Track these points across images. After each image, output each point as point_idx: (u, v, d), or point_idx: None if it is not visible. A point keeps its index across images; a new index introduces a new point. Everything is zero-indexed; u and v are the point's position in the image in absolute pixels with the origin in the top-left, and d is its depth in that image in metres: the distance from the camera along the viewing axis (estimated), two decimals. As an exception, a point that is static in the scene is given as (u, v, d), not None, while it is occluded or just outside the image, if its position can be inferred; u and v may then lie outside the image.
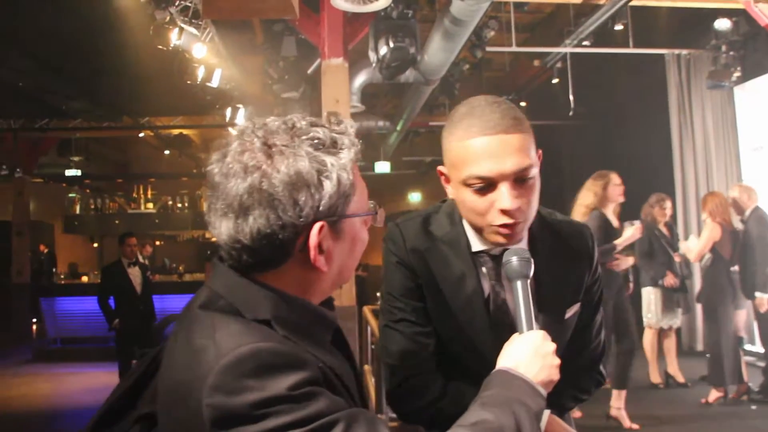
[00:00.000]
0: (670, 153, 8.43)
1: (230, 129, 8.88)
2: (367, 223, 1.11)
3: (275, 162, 0.96)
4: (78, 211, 16.25)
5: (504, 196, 1.28)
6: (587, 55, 8.16)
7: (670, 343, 6.42)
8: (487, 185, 1.29)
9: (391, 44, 5.88)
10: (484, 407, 1.06)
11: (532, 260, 1.27)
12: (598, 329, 1.58)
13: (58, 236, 16.85)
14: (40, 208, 15.48)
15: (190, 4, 6.07)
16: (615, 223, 4.99)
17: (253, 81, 8.74)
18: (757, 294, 5.53)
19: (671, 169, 8.40)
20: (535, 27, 9.59)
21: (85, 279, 12.35)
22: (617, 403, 5.12)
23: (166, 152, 15.07)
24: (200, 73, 6.97)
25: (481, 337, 1.42)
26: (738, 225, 5.85)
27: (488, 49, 7.76)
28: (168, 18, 5.94)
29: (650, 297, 6.28)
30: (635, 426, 5.05)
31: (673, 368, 6.44)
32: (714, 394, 5.72)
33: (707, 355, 5.94)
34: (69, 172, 13.81)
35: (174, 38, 6.08)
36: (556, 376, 1.16)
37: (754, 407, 5.59)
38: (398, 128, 11.01)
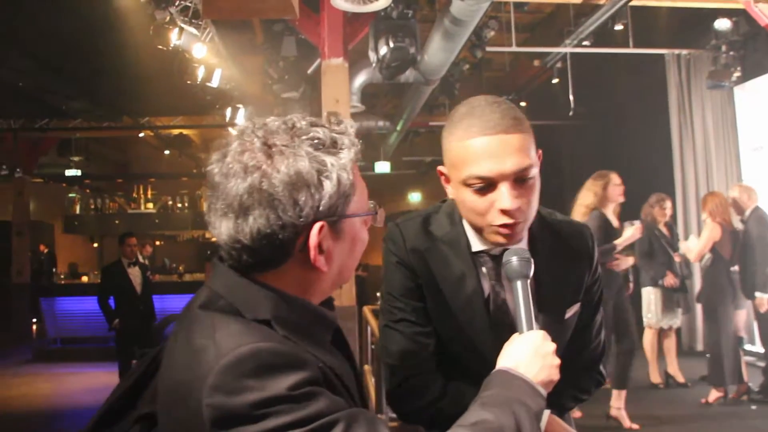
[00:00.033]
0: (670, 153, 8.43)
1: (230, 129, 8.87)
2: (367, 223, 1.11)
3: (275, 162, 0.96)
4: (78, 211, 16.26)
5: (504, 196, 1.28)
6: (587, 55, 8.16)
7: (670, 343, 6.42)
8: (487, 185, 1.29)
9: (391, 44, 5.88)
10: (483, 407, 1.06)
11: (532, 260, 1.27)
12: (598, 329, 1.58)
13: (58, 236, 16.85)
14: (40, 208, 15.48)
15: (190, 4, 6.07)
16: (615, 223, 4.99)
17: (253, 81, 8.74)
18: (757, 294, 5.53)
19: (671, 169, 8.40)
20: (535, 27, 9.59)
21: (85, 279, 12.35)
22: (617, 403, 5.12)
23: (166, 152, 15.07)
24: (200, 73, 6.97)
25: (481, 337, 1.42)
26: (738, 225, 5.85)
27: (488, 49, 7.76)
28: (168, 18, 5.94)
29: (650, 297, 6.28)
30: (635, 426, 5.05)
31: (673, 368, 6.44)
32: (714, 394, 5.72)
33: (707, 355, 5.94)
34: (69, 172, 13.82)
35: (174, 38, 6.08)
36: (556, 376, 1.16)
37: (754, 407, 5.59)
38: (398, 128, 11.01)
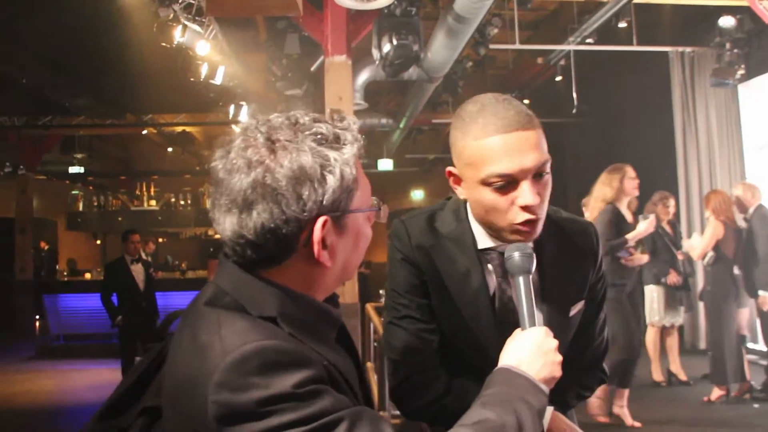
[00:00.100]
0: (674, 151, 8.42)
1: (233, 126, 8.89)
2: (371, 219, 1.11)
3: (278, 157, 0.97)
4: (81, 208, 16.29)
5: (526, 192, 1.28)
6: (591, 52, 8.15)
7: (673, 341, 6.41)
8: (507, 183, 1.28)
9: (395, 41, 5.87)
10: (485, 406, 1.06)
11: (534, 255, 1.27)
12: (602, 327, 1.58)
13: (62, 233, 16.90)
14: (44, 205, 15.51)
15: (193, 2, 6.08)
16: (629, 217, 4.94)
17: (257, 78, 8.74)
18: (760, 292, 5.52)
19: (675, 167, 8.39)
20: (539, 24, 9.59)
21: (88, 276, 12.38)
22: (619, 401, 5.11)
23: (169, 149, 15.08)
24: (203, 70, 6.98)
25: (486, 334, 1.42)
26: (741, 223, 5.84)
27: (491, 46, 7.76)
28: (171, 15, 5.95)
29: (653, 295, 6.27)
30: (637, 424, 5.05)
31: (676, 366, 6.44)
32: (716, 393, 5.71)
33: (709, 354, 5.94)
34: (72, 169, 13.87)
35: (177, 35, 6.09)
36: (558, 372, 1.16)
37: (756, 405, 5.58)
38: (401, 126, 11.01)
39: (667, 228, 6.19)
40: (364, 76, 7.61)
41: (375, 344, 5.69)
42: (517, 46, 8.13)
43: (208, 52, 6.63)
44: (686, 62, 8.38)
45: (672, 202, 6.26)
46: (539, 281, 1.41)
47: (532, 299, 1.23)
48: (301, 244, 0.99)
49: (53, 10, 6.61)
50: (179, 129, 13.17)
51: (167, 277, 11.88)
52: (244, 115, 8.81)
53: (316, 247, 1.00)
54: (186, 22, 6.09)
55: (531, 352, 1.15)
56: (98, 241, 18.62)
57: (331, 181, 0.98)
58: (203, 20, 6.32)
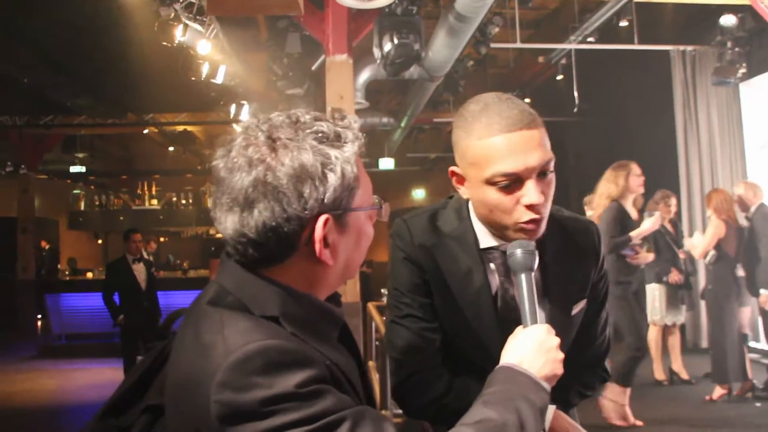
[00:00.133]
0: (675, 150, 8.41)
1: (235, 125, 8.90)
2: (372, 217, 1.11)
3: (279, 155, 0.97)
4: (83, 208, 16.33)
5: (531, 191, 1.28)
6: (592, 51, 8.15)
7: (675, 340, 6.41)
8: (512, 182, 1.28)
9: (396, 41, 5.87)
10: (487, 405, 1.06)
11: (537, 253, 1.27)
12: (603, 325, 1.58)
13: (63, 232, 16.92)
14: (45, 205, 15.53)
15: (194, 1, 6.08)
16: (634, 214, 4.91)
17: (258, 78, 8.75)
18: (762, 291, 5.52)
19: (676, 166, 8.38)
20: (540, 23, 9.58)
21: (89, 275, 12.39)
22: (621, 399, 5.10)
23: (171, 149, 15.09)
24: (204, 69, 6.98)
25: (488, 333, 1.42)
26: (743, 222, 5.84)
27: (492, 45, 7.75)
28: (172, 14, 5.95)
29: (654, 294, 6.26)
30: (639, 423, 5.04)
31: (677, 365, 6.43)
32: (718, 392, 5.71)
33: (711, 352, 5.93)
34: (74, 169, 13.88)
35: (178, 35, 6.09)
36: (560, 370, 1.16)
37: (758, 404, 5.58)
38: (402, 125, 11.01)
39: (669, 227, 6.19)
40: (365, 75, 7.61)
41: (377, 343, 5.69)
42: (518, 45, 8.13)
43: (209, 51, 6.63)
44: (687, 61, 8.37)
45: (673, 200, 6.26)
46: (541, 280, 1.41)
47: (534, 297, 1.23)
48: (303, 243, 1.00)
49: (54, 10, 6.62)
50: (180, 128, 13.18)
51: (169, 276, 11.89)
52: (245, 115, 8.82)
53: (317, 246, 1.00)
54: (187, 21, 6.09)
55: (533, 349, 1.15)
56: (100, 241, 18.64)
57: (333, 179, 0.98)
58: (204, 19, 6.32)
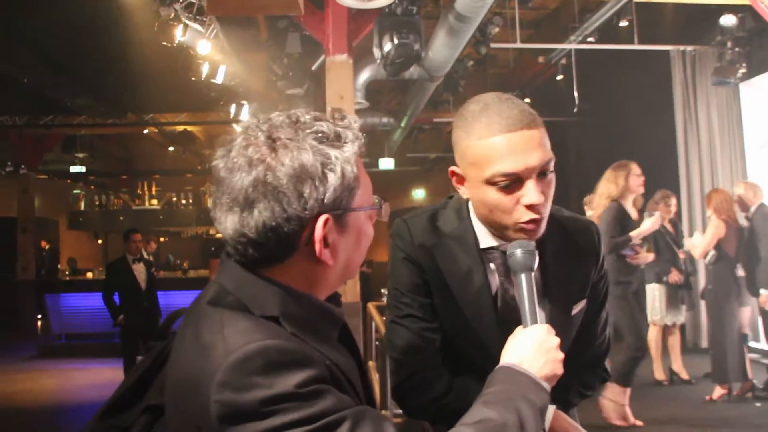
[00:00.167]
0: (675, 150, 8.41)
1: (234, 125, 8.90)
2: (372, 217, 1.11)
3: (279, 155, 0.97)
4: (83, 208, 16.34)
5: (531, 191, 1.28)
6: (592, 51, 8.15)
7: (675, 340, 6.41)
8: (512, 182, 1.28)
9: (396, 41, 5.87)
10: (486, 405, 1.06)
11: (537, 253, 1.27)
12: (603, 325, 1.58)
13: (63, 232, 16.92)
14: (45, 205, 15.53)
15: (194, 1, 6.08)
16: (634, 214, 4.90)
17: (258, 78, 8.75)
18: (762, 291, 5.52)
19: (676, 166, 8.38)
20: (540, 23, 9.58)
21: (89, 275, 12.40)
22: (621, 399, 5.10)
23: (171, 149, 15.09)
24: (205, 69, 6.98)
25: (488, 333, 1.42)
26: (743, 222, 5.83)
27: (492, 45, 7.75)
28: (172, 14, 5.95)
29: (654, 293, 6.26)
30: (639, 423, 5.04)
31: (677, 365, 6.43)
32: (718, 392, 5.71)
33: (711, 352, 5.93)
34: (74, 169, 13.87)
35: (178, 35, 6.09)
36: (560, 370, 1.16)
37: (758, 404, 5.58)
38: (402, 125, 11.01)
39: (669, 227, 6.19)
40: (365, 75, 7.61)
41: (377, 343, 5.69)
42: (518, 45, 8.13)
43: (209, 51, 6.63)
44: (687, 61, 8.37)
45: (673, 200, 6.26)
46: (541, 280, 1.41)
47: (534, 297, 1.23)
48: (303, 243, 1.00)
49: (54, 10, 6.62)
50: (180, 128, 13.18)
51: (169, 276, 11.89)
52: (245, 115, 8.82)
53: (317, 246, 1.00)
54: (187, 22, 6.09)
55: (532, 349, 1.15)
56: (100, 241, 18.64)
57: (332, 179, 0.98)
58: (204, 19, 6.33)
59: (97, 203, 16.27)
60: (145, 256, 7.15)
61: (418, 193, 18.10)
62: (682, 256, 6.17)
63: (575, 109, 8.72)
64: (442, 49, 6.66)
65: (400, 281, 1.47)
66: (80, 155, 13.58)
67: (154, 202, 16.49)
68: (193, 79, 7.09)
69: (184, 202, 16.33)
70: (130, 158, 17.97)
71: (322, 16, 5.87)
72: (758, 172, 7.67)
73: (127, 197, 16.75)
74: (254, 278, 1.01)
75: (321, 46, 6.26)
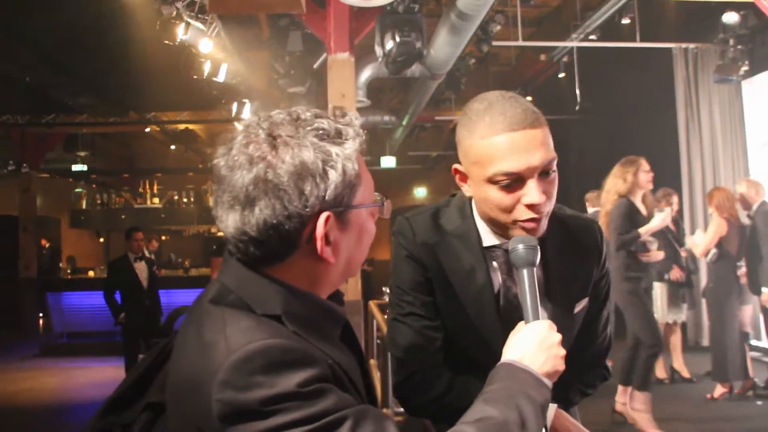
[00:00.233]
0: (677, 148, 8.40)
1: (236, 124, 8.89)
2: (374, 215, 1.10)
3: (280, 152, 0.97)
4: (84, 206, 16.33)
5: (532, 190, 1.28)
6: (594, 49, 8.14)
7: (676, 338, 6.40)
8: (514, 181, 1.28)
9: (397, 39, 5.87)
10: (488, 402, 1.06)
11: (539, 248, 1.27)
12: (605, 324, 1.58)
13: (65, 231, 16.91)
14: (47, 203, 15.52)
15: (196, 0, 6.08)
16: (644, 211, 4.83)
17: (259, 76, 8.74)
18: (764, 289, 5.51)
19: (678, 163, 8.37)
20: (542, 21, 9.57)
21: (91, 274, 12.40)
22: (623, 398, 5.10)
23: (172, 147, 15.08)
24: (206, 68, 6.98)
25: (490, 331, 1.42)
26: (745, 220, 5.82)
27: (494, 43, 7.74)
28: (174, 13, 5.96)
29: (656, 291, 6.24)
30: None
31: (679, 363, 6.43)
32: (719, 390, 5.71)
33: (712, 351, 5.92)
34: (75, 167, 13.87)
35: (180, 33, 6.09)
36: (561, 366, 1.16)
37: (759, 403, 5.57)
38: (404, 123, 11.01)
39: (671, 225, 6.17)
40: (366, 74, 7.61)
41: (378, 341, 5.69)
42: (520, 42, 8.12)
43: (210, 49, 6.63)
44: (690, 59, 8.36)
45: (675, 198, 6.25)
46: (543, 278, 1.41)
47: (536, 292, 1.23)
48: (304, 241, 0.99)
49: (55, 9, 6.62)
50: (182, 127, 13.17)
51: (170, 274, 11.88)
52: (246, 113, 8.81)
53: (319, 243, 1.00)
54: (189, 20, 6.10)
55: (534, 346, 1.15)
56: (101, 239, 18.64)
57: (333, 176, 0.98)
58: (206, 18, 6.33)
59: (98, 202, 16.28)
60: (147, 254, 7.16)
61: (420, 192, 18.09)
62: (683, 254, 6.17)
63: (577, 107, 8.71)
64: (444, 47, 6.65)
65: (403, 279, 1.47)
66: (82, 154, 13.57)
67: (156, 200, 16.49)
68: (194, 77, 7.08)
69: (185, 200, 16.33)
70: (131, 157, 17.97)
71: (324, 14, 5.87)
72: (760, 169, 7.66)
73: (129, 196, 16.75)
74: (256, 276, 1.00)
75: (323, 45, 6.25)
